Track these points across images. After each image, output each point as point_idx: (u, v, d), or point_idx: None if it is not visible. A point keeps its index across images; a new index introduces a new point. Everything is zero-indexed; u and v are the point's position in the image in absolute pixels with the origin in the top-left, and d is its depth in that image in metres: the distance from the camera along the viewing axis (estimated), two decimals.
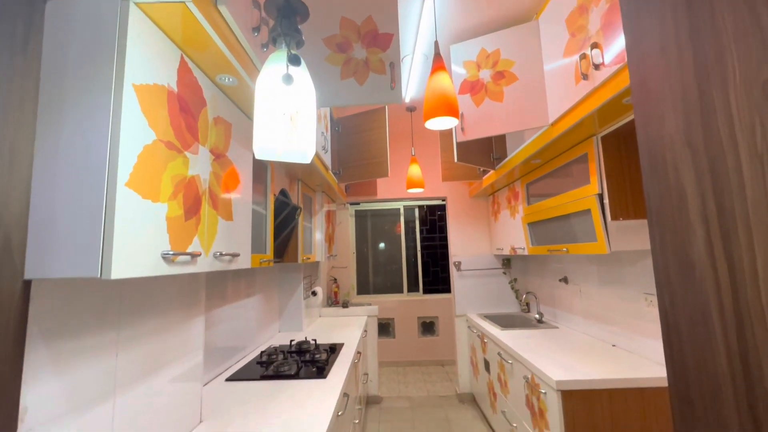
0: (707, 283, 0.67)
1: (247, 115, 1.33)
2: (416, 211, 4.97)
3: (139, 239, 0.72)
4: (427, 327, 4.67)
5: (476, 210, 3.65)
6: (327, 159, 2.38)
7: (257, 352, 2.18)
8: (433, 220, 4.98)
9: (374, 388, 3.43)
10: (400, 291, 4.83)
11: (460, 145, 2.45)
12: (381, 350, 4.58)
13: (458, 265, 3.54)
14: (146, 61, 0.76)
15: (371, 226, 5.01)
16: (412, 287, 4.85)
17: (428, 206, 4.99)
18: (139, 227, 0.73)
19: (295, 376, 1.73)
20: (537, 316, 2.92)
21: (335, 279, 4.60)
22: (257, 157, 0.67)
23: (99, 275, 0.64)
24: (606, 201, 1.68)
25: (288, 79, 0.62)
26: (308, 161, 0.80)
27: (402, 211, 4.96)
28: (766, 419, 0.58)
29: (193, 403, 1.22)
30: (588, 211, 1.78)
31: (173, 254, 0.83)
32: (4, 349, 0.62)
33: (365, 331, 3.24)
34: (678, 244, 0.74)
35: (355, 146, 2.86)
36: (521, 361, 2.01)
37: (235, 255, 1.16)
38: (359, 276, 4.88)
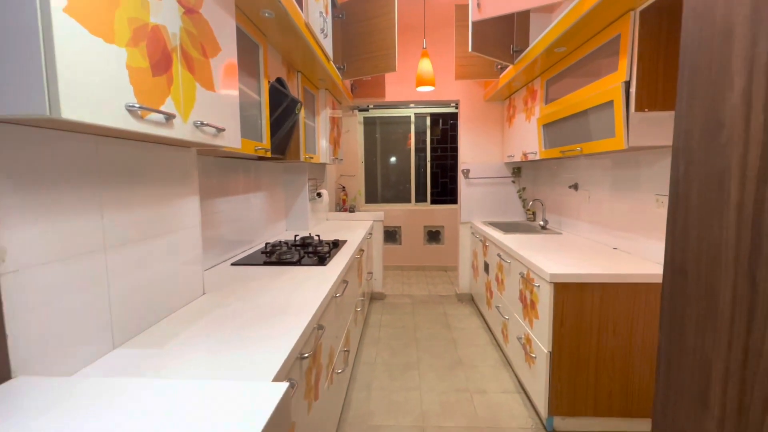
0: (734, 143, 0.59)
1: None
2: (428, 119, 4.72)
3: (92, 80, 0.65)
4: (433, 235, 4.79)
5: (490, 115, 3.42)
6: (328, 46, 2.16)
7: (263, 245, 2.26)
8: (445, 129, 4.76)
9: (378, 286, 3.65)
10: (408, 201, 4.85)
11: (477, 30, 2.17)
12: (387, 255, 4.78)
13: (466, 173, 3.46)
14: None
15: (380, 134, 4.83)
16: (420, 197, 4.85)
17: (440, 115, 4.72)
18: (91, 66, 0.65)
19: (297, 263, 1.80)
20: (542, 223, 2.91)
21: (343, 187, 4.62)
22: None
23: (47, 113, 0.59)
24: (632, 90, 1.50)
25: None
26: None
27: (413, 119, 4.72)
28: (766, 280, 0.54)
29: (194, 274, 1.28)
30: (609, 104, 1.61)
31: (140, 108, 0.76)
32: None
33: (370, 233, 3.32)
34: (708, 101, 0.64)
35: (360, 36, 2.58)
36: (519, 259, 2.04)
37: (220, 129, 1.10)
38: (367, 185, 4.87)
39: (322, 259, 1.86)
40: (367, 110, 4.69)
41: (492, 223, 3.25)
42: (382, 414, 1.90)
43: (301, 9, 1.69)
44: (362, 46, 2.58)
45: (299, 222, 2.88)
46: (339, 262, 1.82)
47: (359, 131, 4.72)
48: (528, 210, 3.36)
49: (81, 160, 0.84)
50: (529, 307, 1.91)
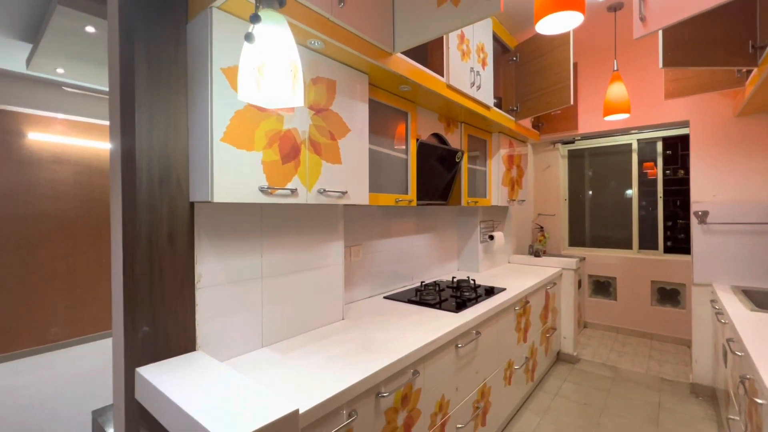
0: None
1: (357, 69, 1.49)
2: (658, 145, 3.74)
3: (235, 176, 1.06)
4: (667, 295, 3.63)
5: (744, 135, 2.41)
6: (484, 96, 2.22)
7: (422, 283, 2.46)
8: (684, 156, 3.61)
9: (568, 347, 3.11)
10: (628, 247, 3.91)
11: (670, 39, 1.67)
12: (596, 312, 3.98)
13: (702, 216, 2.53)
14: (229, 46, 1.05)
15: (590, 167, 4.19)
16: (647, 243, 3.82)
17: (677, 138, 3.64)
18: (235, 168, 1.07)
19: (435, 306, 1.89)
20: None
21: (541, 227, 4.26)
22: (240, 99, 0.84)
23: (210, 199, 1.02)
24: None
25: (249, 37, 0.74)
26: (277, 107, 0.90)
27: (634, 147, 3.85)
28: None
29: (334, 302, 1.63)
30: None
31: (270, 188, 1.15)
32: (185, 242, 1.11)
33: (554, 283, 2.94)
34: None
35: (534, 74, 2.48)
36: (746, 357, 1.36)
37: (342, 192, 1.41)
38: (573, 226, 4.28)
39: (459, 306, 1.88)
40: (572, 142, 4.21)
41: (746, 289, 2.22)
42: None
43: (442, 74, 1.87)
44: (535, 84, 2.46)
45: (470, 263, 2.93)
46: (476, 311, 1.79)
47: (562, 166, 4.27)
48: None
49: (249, 222, 1.31)
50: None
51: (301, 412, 0.91)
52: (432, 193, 2.25)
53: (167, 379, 0.93)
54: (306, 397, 0.97)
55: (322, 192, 1.33)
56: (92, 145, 3.89)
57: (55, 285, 3.66)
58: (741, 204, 2.42)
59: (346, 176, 1.44)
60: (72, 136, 3.75)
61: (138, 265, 1.02)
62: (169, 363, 1.03)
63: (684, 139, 3.61)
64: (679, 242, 3.66)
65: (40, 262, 3.54)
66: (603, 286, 4.01)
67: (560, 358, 3.16)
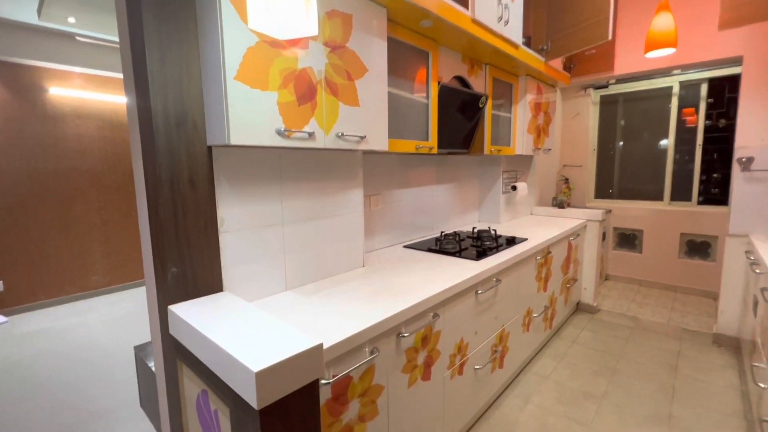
0: None
1: (374, 0, 1.37)
2: (702, 88, 3.42)
3: (251, 118, 1.03)
4: (696, 248, 3.51)
5: None
6: (513, 33, 2.04)
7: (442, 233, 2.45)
8: (730, 100, 3.30)
9: (588, 297, 3.11)
10: (659, 198, 3.74)
11: None
12: (619, 264, 3.92)
13: (746, 162, 2.35)
14: None
15: (624, 114, 3.93)
16: (681, 194, 3.64)
17: (717, 81, 3.31)
18: (251, 109, 1.03)
19: (455, 254, 1.89)
20: None
21: (566, 179, 4.12)
22: (251, 27, 0.78)
23: (227, 141, 1.01)
24: None
25: None
26: (289, 36, 0.83)
27: (675, 90, 3.55)
28: None
29: (354, 249, 1.64)
30: None
31: (287, 131, 1.12)
32: (206, 187, 1.11)
33: (577, 234, 2.88)
34: None
35: (567, 8, 2.25)
36: None
37: (361, 137, 1.36)
38: (601, 177, 4.10)
39: (480, 254, 1.87)
40: (605, 86, 3.91)
41: None
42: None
43: (467, 7, 1.71)
44: (569, 19, 2.24)
45: (491, 214, 2.88)
46: (496, 260, 1.78)
47: (592, 113, 4.01)
48: None
49: (268, 168, 1.29)
50: None
51: (325, 347, 0.94)
52: (453, 141, 2.17)
53: (197, 315, 0.98)
54: (329, 335, 1.01)
55: (340, 136, 1.29)
56: (111, 100, 3.90)
57: (93, 236, 3.87)
58: None
59: (365, 120, 1.39)
60: (91, 90, 3.76)
61: (162, 208, 1.03)
62: (198, 302, 1.08)
63: (731, 81, 3.29)
64: (713, 196, 3.47)
65: (76, 215, 3.72)
66: (628, 239, 3.91)
67: (579, 308, 3.18)
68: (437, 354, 1.43)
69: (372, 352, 1.11)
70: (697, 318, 2.97)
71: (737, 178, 2.40)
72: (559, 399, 1.97)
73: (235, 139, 1.01)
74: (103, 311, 3.46)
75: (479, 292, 1.64)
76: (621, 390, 2.03)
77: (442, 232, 2.31)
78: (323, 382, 0.95)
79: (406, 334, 1.22)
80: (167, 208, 1.04)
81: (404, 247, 2.09)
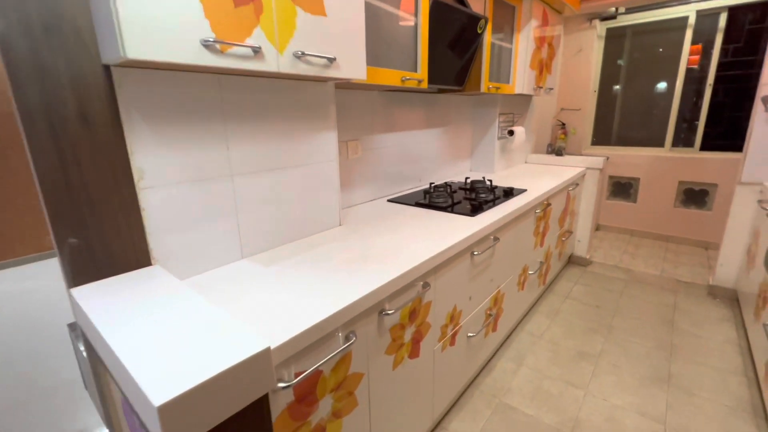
0: None
1: None
2: (720, 18, 3.05)
3: (159, 20, 0.70)
4: (694, 196, 3.36)
5: None
6: None
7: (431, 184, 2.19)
8: (752, 31, 2.96)
9: (581, 250, 2.98)
10: (659, 144, 3.51)
11: None
12: (611, 214, 3.78)
13: None
14: None
15: (630, 50, 3.55)
16: (683, 140, 3.41)
17: (749, 7, 2.94)
18: (157, 4, 0.69)
19: (447, 209, 1.64)
20: None
21: (563, 123, 3.82)
22: None
23: (122, 54, 0.67)
24: None
25: None
26: None
27: (691, 21, 3.16)
28: None
29: (328, 206, 1.37)
30: None
31: (218, 43, 0.78)
32: (107, 125, 0.79)
33: (576, 184, 2.66)
34: None
35: None
36: None
37: (330, 59, 1.03)
38: (600, 122, 3.81)
39: (475, 209, 1.63)
40: (614, 17, 3.49)
41: None
42: (524, 397, 1.63)
43: None
44: None
45: (485, 163, 2.61)
46: (494, 215, 1.54)
47: (596, 49, 3.62)
48: None
49: (204, 100, 0.96)
50: None
51: (282, 341, 0.70)
52: (446, 75, 1.82)
53: (102, 304, 0.72)
54: (291, 321, 0.76)
55: (300, 56, 0.96)
56: None
57: (33, 192, 3.45)
58: None
59: (334, 35, 1.05)
60: None
61: (40, 156, 0.72)
62: (110, 283, 0.81)
63: (756, 8, 2.93)
64: (719, 138, 3.25)
65: (13, 167, 3.28)
66: (623, 188, 3.73)
67: (572, 261, 3.05)
68: (427, 327, 1.23)
69: (347, 338, 0.88)
70: (691, 269, 2.89)
71: (758, 119, 2.16)
72: (554, 360, 1.86)
73: (134, 51, 0.68)
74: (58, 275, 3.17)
75: (476, 253, 1.42)
76: (618, 348, 1.93)
77: (431, 184, 2.04)
78: (281, 385, 0.73)
79: (390, 312, 1.00)
80: (48, 156, 0.73)
81: (388, 201, 1.83)
